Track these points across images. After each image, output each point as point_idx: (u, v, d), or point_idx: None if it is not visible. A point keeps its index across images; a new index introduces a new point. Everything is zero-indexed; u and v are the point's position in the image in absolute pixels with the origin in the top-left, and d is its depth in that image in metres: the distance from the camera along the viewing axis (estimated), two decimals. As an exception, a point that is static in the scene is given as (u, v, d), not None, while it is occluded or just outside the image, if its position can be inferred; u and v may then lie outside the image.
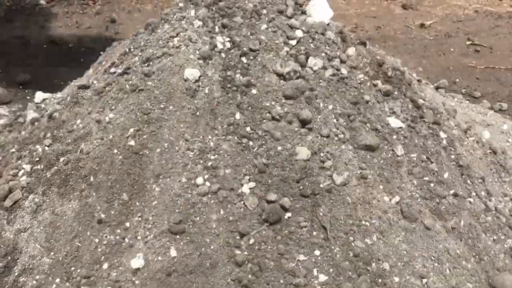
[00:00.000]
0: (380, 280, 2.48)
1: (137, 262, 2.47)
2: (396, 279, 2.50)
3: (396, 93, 3.16)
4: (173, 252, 2.48)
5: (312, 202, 2.62)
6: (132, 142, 2.78)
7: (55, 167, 2.91)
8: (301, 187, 2.63)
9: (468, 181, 3.04)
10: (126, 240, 2.58)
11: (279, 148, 2.72)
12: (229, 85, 2.87)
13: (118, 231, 2.61)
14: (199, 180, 2.63)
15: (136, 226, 2.60)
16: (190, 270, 2.45)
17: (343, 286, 2.43)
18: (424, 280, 2.54)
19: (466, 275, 2.65)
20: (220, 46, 2.99)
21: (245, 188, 2.63)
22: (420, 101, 3.21)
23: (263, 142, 2.74)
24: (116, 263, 2.53)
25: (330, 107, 2.90)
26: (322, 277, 2.45)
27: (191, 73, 2.87)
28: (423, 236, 2.68)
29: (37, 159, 3.01)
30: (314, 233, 2.55)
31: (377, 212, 2.66)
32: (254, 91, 2.86)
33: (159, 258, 2.48)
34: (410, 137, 3.00)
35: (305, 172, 2.67)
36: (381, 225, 2.63)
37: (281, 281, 2.44)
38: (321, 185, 2.64)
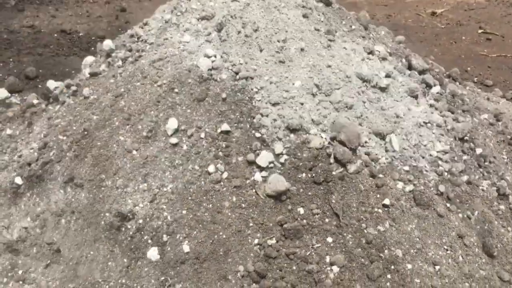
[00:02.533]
0: (392, 267, 2.48)
1: (152, 254, 2.48)
2: (409, 266, 2.50)
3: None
4: (186, 241, 2.49)
5: (324, 189, 2.62)
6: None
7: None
8: (313, 175, 2.63)
9: (481, 169, 3.03)
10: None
11: (292, 136, 2.72)
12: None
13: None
14: (211, 168, 2.64)
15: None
16: (203, 257, 2.46)
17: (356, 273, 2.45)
18: (437, 267, 2.54)
19: (479, 263, 2.65)
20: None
21: (257, 176, 2.63)
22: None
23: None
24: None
25: (343, 94, 2.90)
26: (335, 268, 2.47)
27: (205, 60, 2.87)
28: (435, 224, 2.67)
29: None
30: (327, 220, 2.56)
31: (390, 199, 2.65)
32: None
33: (173, 247, 2.49)
34: (423, 125, 2.99)
35: (318, 159, 2.66)
36: (394, 212, 2.63)
37: (294, 267, 2.45)
38: (334, 173, 2.64)
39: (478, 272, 2.61)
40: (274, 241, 2.49)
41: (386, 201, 2.64)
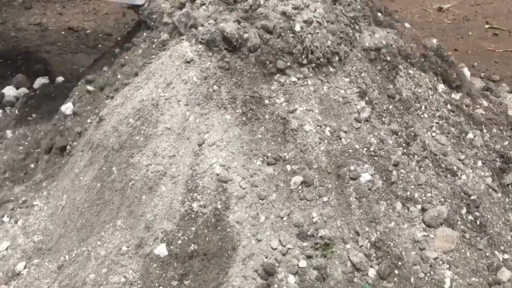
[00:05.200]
0: (400, 263, 2.51)
1: (161, 250, 2.50)
2: (416, 266, 2.53)
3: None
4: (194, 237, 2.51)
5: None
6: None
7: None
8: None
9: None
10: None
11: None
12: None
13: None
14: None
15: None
16: (212, 254, 2.47)
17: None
18: (446, 265, 2.56)
19: (481, 257, 2.67)
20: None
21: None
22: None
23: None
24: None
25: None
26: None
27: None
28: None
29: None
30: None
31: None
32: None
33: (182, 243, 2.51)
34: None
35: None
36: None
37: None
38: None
39: (485, 269, 2.63)
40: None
41: (398, 206, 2.67)
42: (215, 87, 2.78)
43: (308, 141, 2.71)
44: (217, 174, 2.60)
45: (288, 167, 2.64)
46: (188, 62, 2.86)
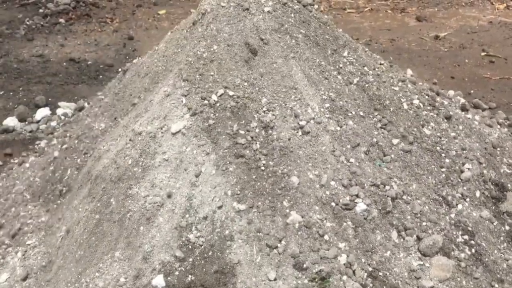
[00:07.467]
0: (395, 293, 2.53)
1: (158, 282, 2.51)
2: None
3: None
4: (191, 269, 2.53)
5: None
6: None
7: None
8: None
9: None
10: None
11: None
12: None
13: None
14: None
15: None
16: (209, 284, 2.48)
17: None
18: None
19: (477, 286, 2.68)
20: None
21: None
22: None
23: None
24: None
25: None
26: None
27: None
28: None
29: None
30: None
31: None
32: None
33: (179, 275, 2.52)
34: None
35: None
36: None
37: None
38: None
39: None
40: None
41: (394, 235, 2.69)
42: (211, 121, 2.83)
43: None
44: (214, 205, 2.62)
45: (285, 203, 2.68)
46: (185, 96, 2.90)
